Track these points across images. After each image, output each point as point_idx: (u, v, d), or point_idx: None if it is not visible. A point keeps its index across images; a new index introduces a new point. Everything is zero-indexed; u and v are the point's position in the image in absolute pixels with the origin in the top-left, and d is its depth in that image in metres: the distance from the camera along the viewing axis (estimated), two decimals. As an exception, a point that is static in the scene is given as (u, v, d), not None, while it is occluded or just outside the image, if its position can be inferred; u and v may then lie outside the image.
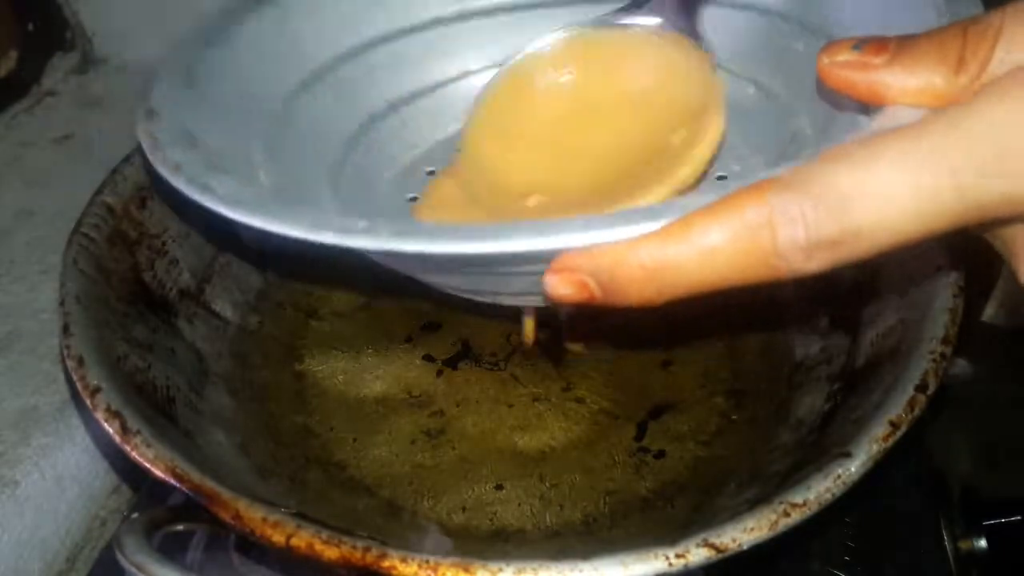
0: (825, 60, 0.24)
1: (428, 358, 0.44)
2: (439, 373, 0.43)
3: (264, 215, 0.25)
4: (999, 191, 0.20)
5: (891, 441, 0.30)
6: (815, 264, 0.21)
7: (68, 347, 0.33)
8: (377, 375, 0.43)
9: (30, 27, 0.65)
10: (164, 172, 0.28)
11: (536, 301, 0.32)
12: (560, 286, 0.22)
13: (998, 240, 0.23)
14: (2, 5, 0.63)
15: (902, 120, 0.21)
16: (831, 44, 0.24)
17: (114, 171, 0.41)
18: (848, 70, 0.24)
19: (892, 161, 0.20)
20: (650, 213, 0.22)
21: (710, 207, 0.21)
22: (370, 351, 0.44)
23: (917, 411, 0.31)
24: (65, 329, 0.34)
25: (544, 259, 0.23)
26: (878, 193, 0.20)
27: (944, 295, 0.35)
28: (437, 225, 0.25)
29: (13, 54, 0.64)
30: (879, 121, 0.22)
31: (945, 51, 0.22)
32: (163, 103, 0.31)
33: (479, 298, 0.32)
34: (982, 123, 0.20)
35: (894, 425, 0.30)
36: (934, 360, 0.32)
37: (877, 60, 0.23)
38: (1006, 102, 0.20)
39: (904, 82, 0.22)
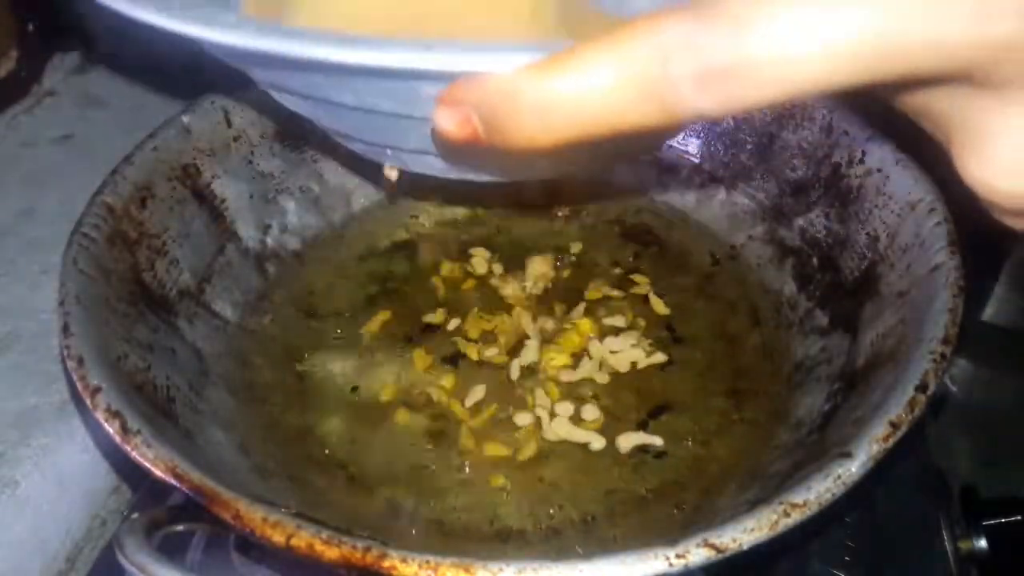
0: None
1: (428, 358, 0.44)
2: (439, 373, 0.43)
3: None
4: (931, 32, 0.17)
5: (891, 441, 0.30)
6: (708, 100, 0.18)
7: (68, 347, 0.33)
8: (377, 375, 0.43)
9: (30, 27, 0.65)
10: None
11: (421, 165, 0.29)
12: (444, 119, 0.21)
13: (931, 119, 0.20)
14: (2, 5, 0.63)
15: None
16: None
17: (114, 171, 0.41)
18: None
19: None
20: (538, 46, 0.20)
21: (602, 38, 0.19)
22: (370, 351, 0.44)
23: (917, 411, 0.31)
24: (65, 329, 0.34)
25: (420, 77, 0.22)
26: (788, 20, 0.18)
27: (944, 295, 0.35)
28: (324, 31, 0.22)
29: (13, 54, 0.64)
30: None
31: None
32: None
33: (364, 149, 0.30)
34: None
35: (894, 425, 0.30)
36: (934, 360, 0.32)
37: None
38: None
39: None
